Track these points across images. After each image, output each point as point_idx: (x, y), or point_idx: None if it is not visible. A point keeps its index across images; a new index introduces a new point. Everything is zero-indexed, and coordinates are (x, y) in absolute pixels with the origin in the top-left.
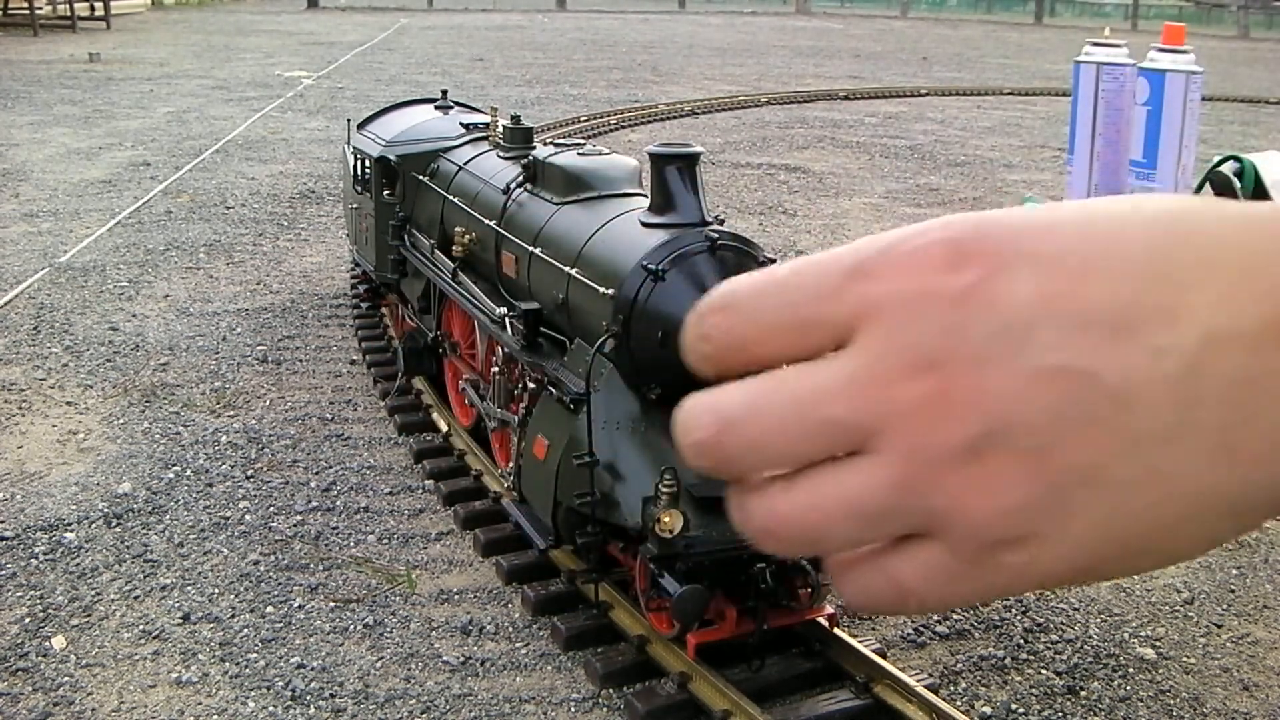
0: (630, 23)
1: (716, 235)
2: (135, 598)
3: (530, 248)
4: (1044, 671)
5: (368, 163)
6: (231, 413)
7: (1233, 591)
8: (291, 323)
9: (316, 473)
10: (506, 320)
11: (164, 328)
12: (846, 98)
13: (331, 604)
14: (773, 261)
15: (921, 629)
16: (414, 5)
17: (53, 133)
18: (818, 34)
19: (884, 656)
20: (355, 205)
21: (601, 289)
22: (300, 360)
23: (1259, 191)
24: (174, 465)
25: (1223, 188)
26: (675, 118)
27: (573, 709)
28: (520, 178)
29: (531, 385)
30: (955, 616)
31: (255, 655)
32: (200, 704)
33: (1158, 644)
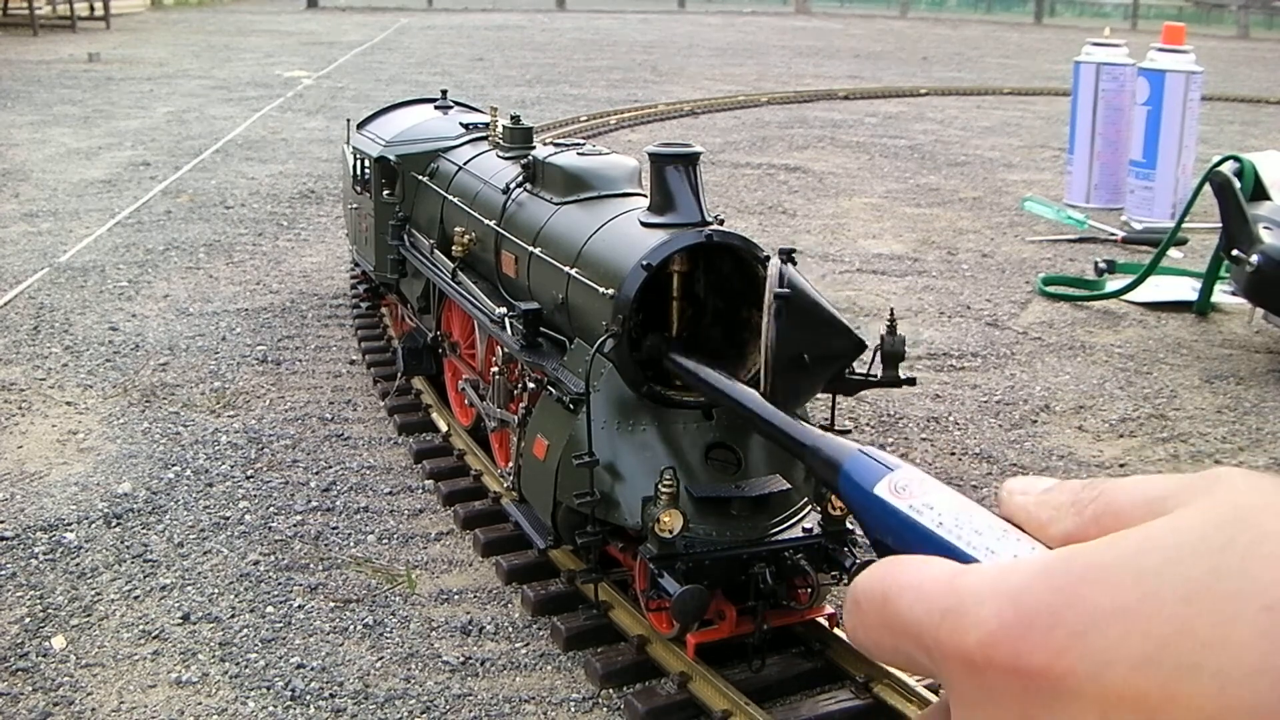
0: (630, 23)
1: (716, 234)
2: (135, 598)
3: (530, 247)
4: None
5: (367, 162)
6: (231, 413)
7: None
8: (291, 323)
9: (316, 473)
10: (506, 320)
11: (164, 328)
12: (846, 98)
13: (331, 604)
14: (800, 256)
15: None
16: (414, 5)
17: (52, 133)
18: (818, 34)
19: None
20: (355, 205)
21: (601, 289)
22: (300, 360)
23: (1259, 191)
24: (174, 465)
25: (1223, 188)
26: (675, 118)
27: (573, 709)
28: (520, 178)
29: (531, 385)
30: None
31: (255, 655)
32: (200, 704)
33: None
